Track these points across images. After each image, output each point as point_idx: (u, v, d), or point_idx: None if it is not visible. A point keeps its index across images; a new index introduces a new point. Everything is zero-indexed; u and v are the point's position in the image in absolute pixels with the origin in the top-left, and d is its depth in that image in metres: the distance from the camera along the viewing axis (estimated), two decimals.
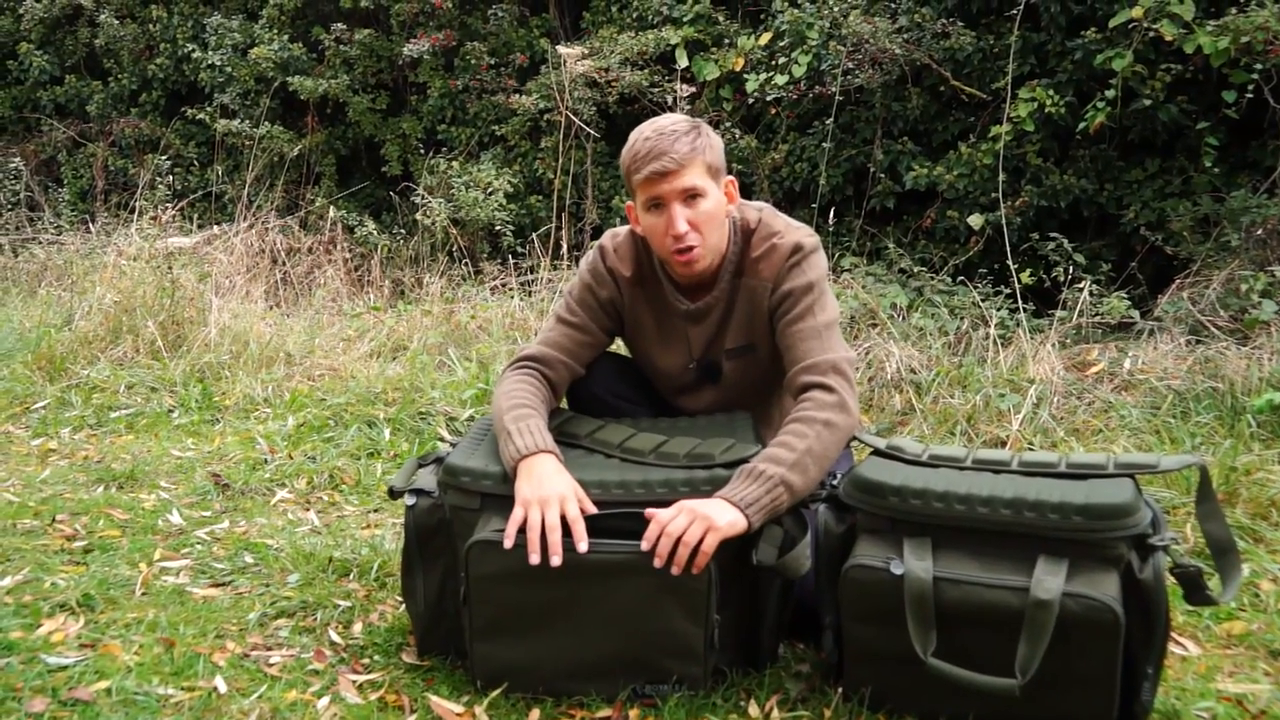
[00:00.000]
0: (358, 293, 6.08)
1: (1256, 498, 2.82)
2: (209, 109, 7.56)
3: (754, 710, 1.85)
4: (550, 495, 1.81)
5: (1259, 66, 4.37)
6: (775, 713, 1.84)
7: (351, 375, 4.34)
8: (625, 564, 1.81)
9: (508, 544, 1.80)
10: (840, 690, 1.85)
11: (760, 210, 2.17)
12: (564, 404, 2.34)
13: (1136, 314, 4.35)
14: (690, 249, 2.05)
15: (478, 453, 2.00)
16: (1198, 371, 3.76)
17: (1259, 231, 4.38)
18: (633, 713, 1.84)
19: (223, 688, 1.92)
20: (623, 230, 2.26)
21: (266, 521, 2.88)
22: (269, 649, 2.10)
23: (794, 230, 2.14)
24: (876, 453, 1.95)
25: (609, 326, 2.25)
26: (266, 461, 3.40)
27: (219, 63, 7.49)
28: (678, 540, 1.76)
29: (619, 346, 2.39)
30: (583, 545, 1.79)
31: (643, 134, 2.04)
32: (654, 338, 2.24)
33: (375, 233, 6.50)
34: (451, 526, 1.97)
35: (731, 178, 2.12)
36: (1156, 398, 3.65)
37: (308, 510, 3.01)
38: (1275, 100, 4.46)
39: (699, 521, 1.77)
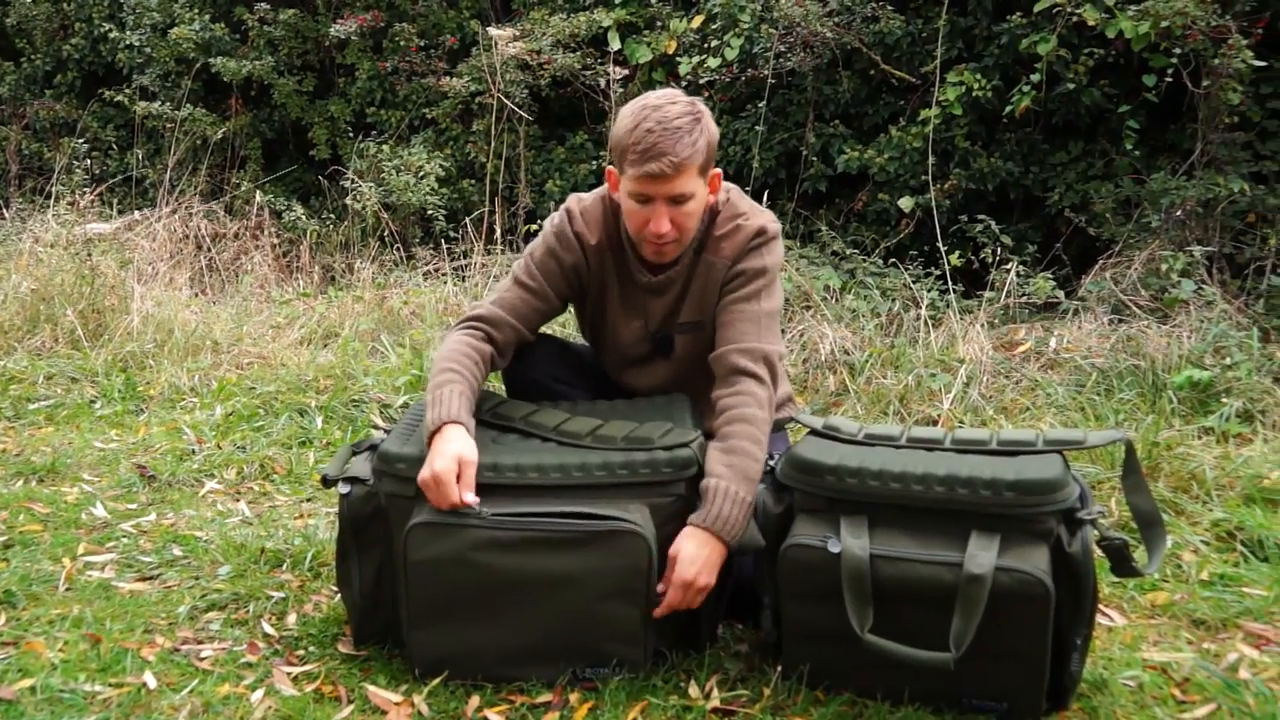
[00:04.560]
0: (286, 279, 5.96)
1: (1177, 471, 2.90)
2: (128, 91, 7.35)
3: (694, 691, 1.86)
4: (438, 471, 1.81)
5: (1178, 51, 4.48)
6: (715, 693, 1.85)
7: (281, 363, 4.26)
8: (564, 541, 1.81)
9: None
10: (779, 668, 1.87)
11: (729, 191, 2.17)
12: (501, 388, 2.32)
13: (1061, 294, 4.44)
14: (665, 244, 2.05)
15: (412, 439, 1.97)
16: (1120, 350, 3.85)
17: (1178, 213, 4.50)
18: (573, 696, 1.84)
19: (152, 683, 1.88)
20: (589, 195, 2.22)
21: (195, 513, 2.82)
22: (200, 643, 2.06)
23: (759, 214, 2.14)
24: (813, 432, 1.96)
25: (566, 294, 2.22)
26: (194, 452, 3.32)
27: (137, 43, 7.28)
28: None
29: (566, 326, 2.37)
30: (467, 495, 1.82)
31: (645, 120, 1.96)
32: (616, 306, 2.22)
33: (304, 218, 6.38)
34: (387, 514, 1.94)
35: (718, 170, 2.09)
36: (1081, 376, 3.73)
37: (238, 501, 2.95)
38: (1193, 85, 4.58)
39: (698, 595, 1.85)
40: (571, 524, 1.81)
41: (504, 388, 2.33)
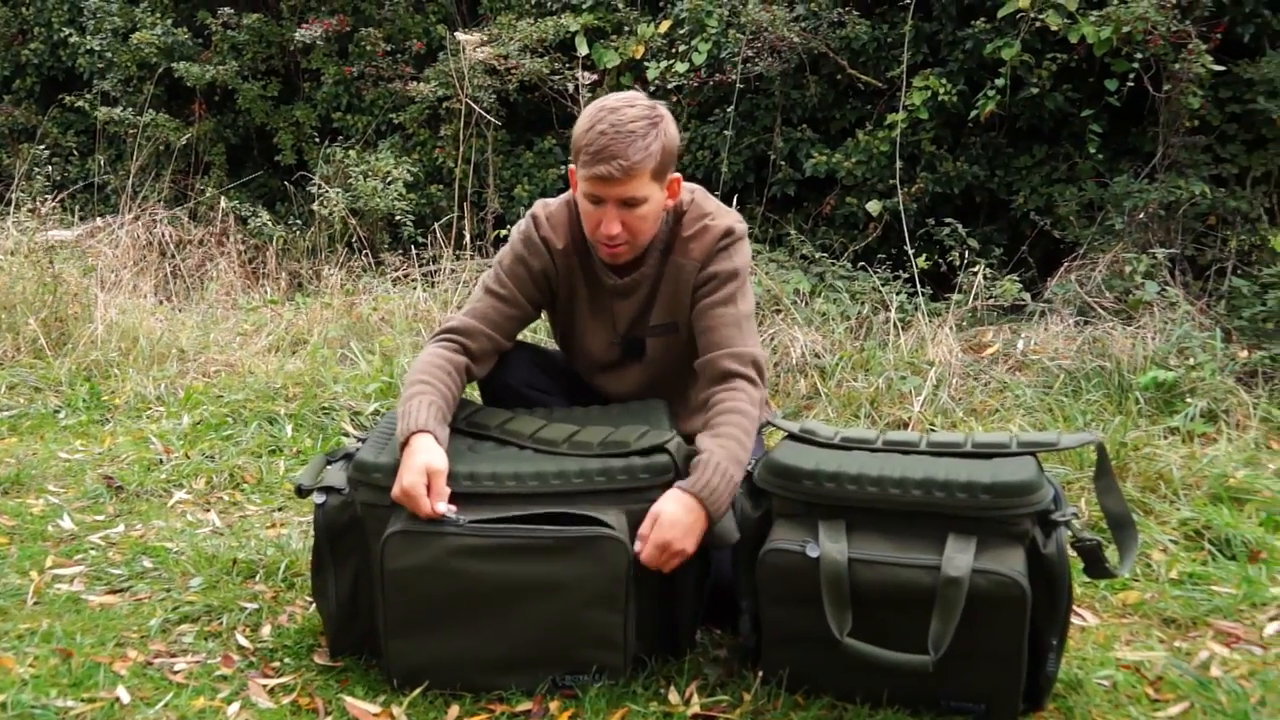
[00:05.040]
0: (253, 286, 5.91)
1: (1145, 471, 2.94)
2: (88, 96, 7.24)
3: (674, 697, 1.87)
4: (406, 486, 1.81)
5: (1139, 56, 4.54)
6: (695, 698, 1.86)
7: (249, 371, 4.22)
8: (542, 547, 1.80)
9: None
10: (759, 673, 1.87)
11: (693, 192, 2.17)
12: (476, 395, 2.31)
13: (1028, 296, 4.49)
14: (617, 246, 2.05)
15: (388, 448, 1.96)
16: (1086, 351, 3.90)
17: (1141, 215, 4.56)
18: (553, 705, 1.84)
19: (125, 698, 1.85)
20: (555, 200, 2.23)
21: (164, 524, 2.78)
22: (173, 656, 2.04)
23: (726, 214, 2.15)
24: (790, 437, 1.97)
25: (538, 299, 2.21)
26: (162, 462, 3.28)
27: (98, 48, 7.17)
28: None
29: (537, 331, 2.37)
30: (440, 505, 1.81)
31: (600, 121, 1.97)
32: (585, 311, 2.23)
33: (270, 224, 6.31)
34: (363, 524, 1.93)
35: (677, 175, 2.10)
36: (1049, 377, 3.78)
37: (208, 511, 2.92)
38: (1154, 89, 4.64)
39: (674, 558, 1.84)
40: (550, 530, 1.81)
41: (479, 395, 2.32)
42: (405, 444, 1.87)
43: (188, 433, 3.55)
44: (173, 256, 5.96)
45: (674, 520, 1.82)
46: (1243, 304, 4.22)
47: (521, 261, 2.17)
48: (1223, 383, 3.55)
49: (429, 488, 1.81)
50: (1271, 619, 2.17)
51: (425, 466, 1.82)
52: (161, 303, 5.42)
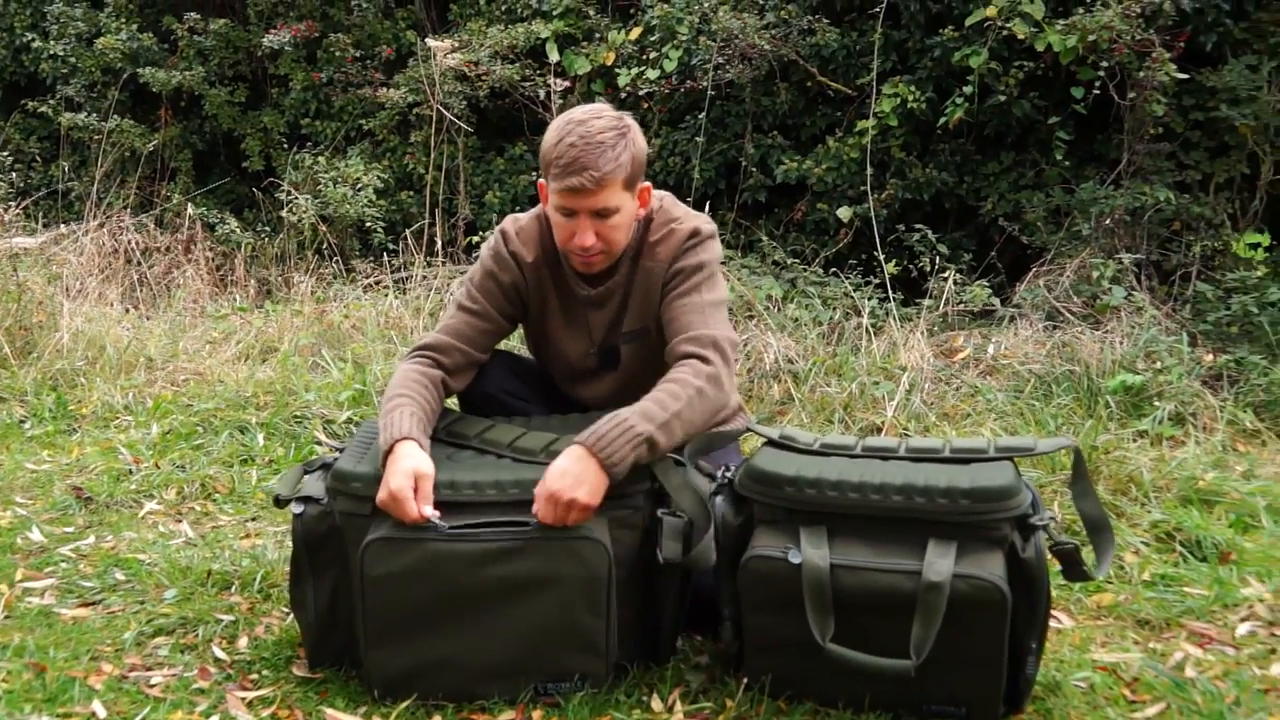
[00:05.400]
0: (221, 293, 5.85)
1: (1116, 474, 2.98)
2: (52, 102, 7.15)
3: (657, 704, 1.86)
4: (394, 489, 1.80)
5: (1105, 64, 4.60)
6: (678, 705, 1.86)
7: (219, 379, 4.18)
8: (523, 551, 1.80)
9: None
10: (744, 680, 1.87)
11: (661, 198, 2.18)
12: (455, 404, 2.30)
13: (997, 301, 4.54)
14: (592, 256, 2.05)
15: (368, 457, 1.95)
16: (1056, 356, 3.95)
17: (1107, 221, 4.62)
18: (536, 713, 1.83)
19: (102, 712, 1.83)
20: (525, 215, 2.23)
21: (136, 535, 2.75)
22: (149, 669, 2.01)
23: (693, 217, 2.16)
24: (769, 443, 1.98)
25: (511, 313, 2.22)
26: (131, 472, 3.24)
27: (62, 53, 7.08)
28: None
29: (516, 340, 2.36)
30: (426, 509, 1.80)
31: (568, 134, 1.97)
32: (559, 322, 2.23)
33: (238, 230, 6.26)
34: (342, 534, 1.91)
35: (648, 184, 2.10)
36: (1019, 381, 3.81)
37: (180, 522, 2.88)
38: (1119, 96, 4.71)
39: (576, 512, 1.80)
40: (530, 533, 1.81)
41: (457, 403, 2.31)
42: (389, 451, 1.86)
43: (157, 442, 3.51)
44: (139, 264, 5.89)
45: (560, 470, 1.81)
46: (1207, 308, 4.29)
47: (491, 276, 2.18)
48: (1189, 386, 3.61)
49: (415, 491, 1.81)
50: (1243, 620, 2.21)
51: (413, 470, 1.82)
52: (128, 311, 5.36)
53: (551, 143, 2.00)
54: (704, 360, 1.97)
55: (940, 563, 1.71)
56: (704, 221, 2.15)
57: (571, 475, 1.80)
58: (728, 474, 1.96)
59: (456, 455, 1.99)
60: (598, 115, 2.01)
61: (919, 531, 1.76)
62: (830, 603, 1.74)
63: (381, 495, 1.82)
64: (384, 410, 1.98)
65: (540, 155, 2.06)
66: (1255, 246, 4.39)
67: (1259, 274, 4.30)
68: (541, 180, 2.09)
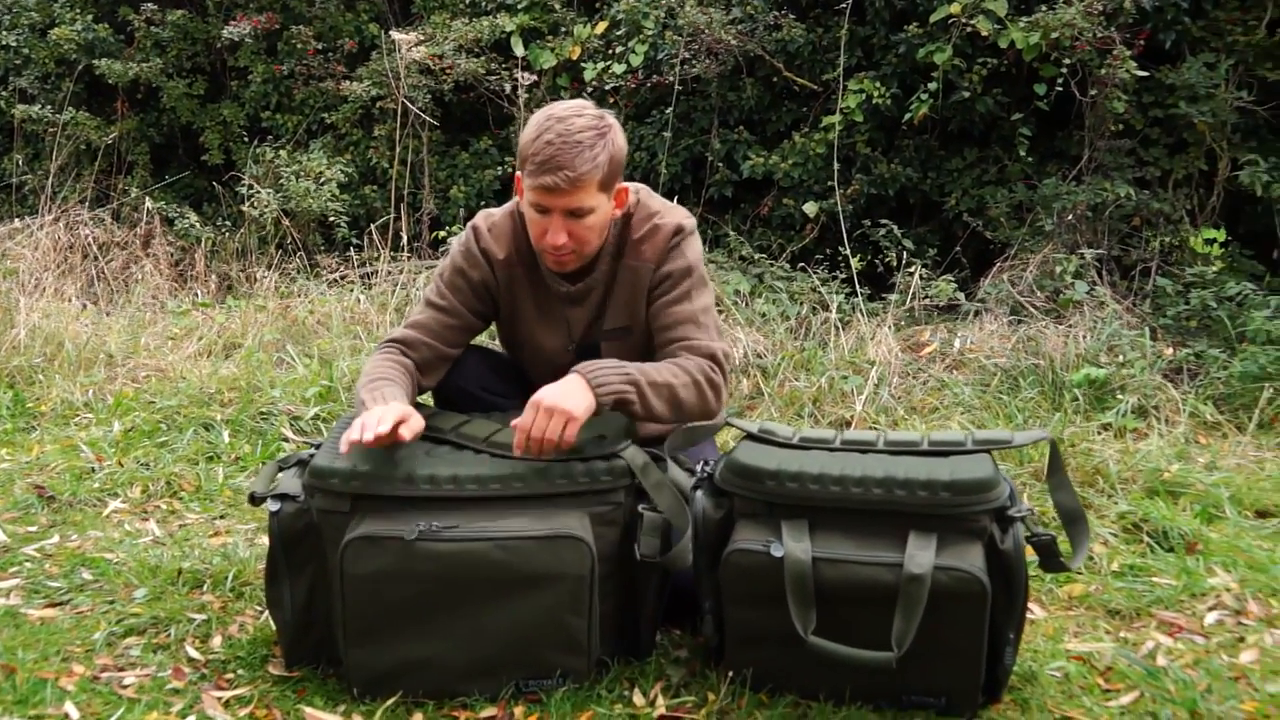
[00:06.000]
0: (181, 288, 5.76)
1: (1083, 466, 3.02)
2: (4, 93, 7.01)
3: (639, 699, 1.86)
4: (383, 411, 1.83)
5: (1067, 61, 4.66)
6: (660, 699, 1.86)
7: (181, 376, 4.12)
8: (506, 550, 1.78)
9: (343, 449, 1.83)
10: (729, 674, 1.87)
11: (638, 191, 2.17)
12: (431, 400, 2.29)
13: (962, 296, 4.58)
14: (563, 255, 2.04)
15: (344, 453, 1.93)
16: (1021, 349, 3.99)
17: (1069, 217, 4.68)
18: (518, 710, 1.82)
19: (75, 714, 1.79)
20: (498, 210, 2.21)
21: (102, 534, 2.70)
22: (121, 670, 1.97)
23: (673, 211, 2.15)
24: (749, 437, 1.98)
25: (481, 310, 2.21)
26: (94, 470, 3.18)
27: (15, 44, 6.94)
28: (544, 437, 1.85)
29: (491, 335, 2.34)
30: (403, 430, 1.82)
31: (547, 131, 1.95)
32: (533, 319, 2.21)
33: (197, 225, 6.17)
34: (320, 531, 1.89)
35: (625, 185, 2.10)
36: (986, 375, 3.86)
37: (146, 520, 2.84)
38: (1081, 93, 4.77)
39: (557, 416, 1.84)
40: (513, 532, 1.80)
41: (432, 398, 2.29)
42: None
43: (119, 440, 3.44)
44: (96, 259, 5.79)
45: (551, 391, 1.87)
46: (1167, 303, 4.37)
47: (461, 274, 2.17)
48: (1151, 379, 3.67)
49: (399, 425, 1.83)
50: (1211, 609, 2.25)
51: (404, 413, 1.85)
52: (86, 306, 5.26)
53: (530, 138, 1.98)
54: (713, 369, 2.04)
55: (921, 555, 1.72)
56: (685, 216, 2.15)
57: (561, 390, 1.87)
58: (708, 468, 1.96)
59: (434, 450, 1.98)
60: (578, 113, 1.99)
61: (900, 524, 1.77)
62: (812, 595, 1.75)
63: (354, 427, 1.82)
64: (364, 389, 1.97)
65: (518, 149, 2.04)
66: (1212, 242, 4.46)
67: (1215, 269, 4.38)
68: (519, 174, 2.08)
